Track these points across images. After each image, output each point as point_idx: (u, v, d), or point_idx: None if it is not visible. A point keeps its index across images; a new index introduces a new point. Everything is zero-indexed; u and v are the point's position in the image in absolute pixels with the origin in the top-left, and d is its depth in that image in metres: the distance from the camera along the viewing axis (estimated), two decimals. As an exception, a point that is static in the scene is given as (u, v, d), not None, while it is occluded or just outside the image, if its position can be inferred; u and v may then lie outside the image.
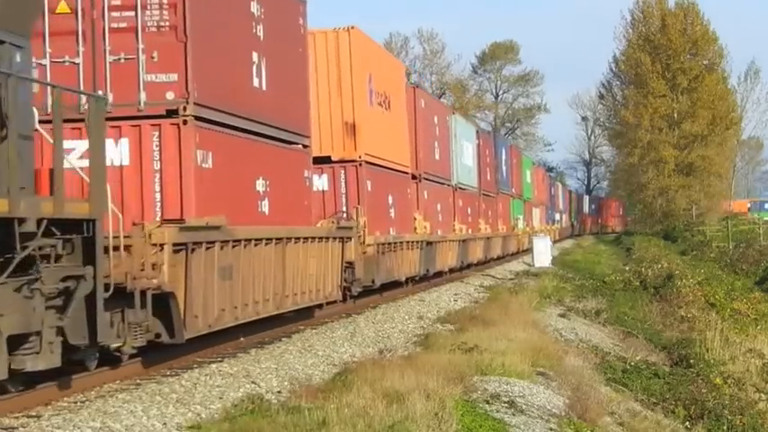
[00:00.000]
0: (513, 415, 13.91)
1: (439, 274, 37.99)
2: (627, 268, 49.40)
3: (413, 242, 32.34)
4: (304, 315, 22.59)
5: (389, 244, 28.89)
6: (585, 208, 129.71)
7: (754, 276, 51.60)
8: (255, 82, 19.00)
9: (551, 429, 13.94)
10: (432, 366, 14.96)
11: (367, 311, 25.96)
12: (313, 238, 21.52)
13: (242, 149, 18.25)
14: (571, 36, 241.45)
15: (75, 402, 13.10)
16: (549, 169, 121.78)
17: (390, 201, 29.79)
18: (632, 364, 21.76)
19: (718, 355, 24.90)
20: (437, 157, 38.27)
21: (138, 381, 14.73)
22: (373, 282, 26.87)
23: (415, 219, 33.59)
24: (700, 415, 18.36)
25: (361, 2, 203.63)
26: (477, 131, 51.01)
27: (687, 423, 17.77)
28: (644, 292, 40.02)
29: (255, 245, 18.10)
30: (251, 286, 18.03)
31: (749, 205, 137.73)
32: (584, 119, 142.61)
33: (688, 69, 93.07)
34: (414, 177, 33.86)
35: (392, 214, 29.95)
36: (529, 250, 62.69)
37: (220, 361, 16.61)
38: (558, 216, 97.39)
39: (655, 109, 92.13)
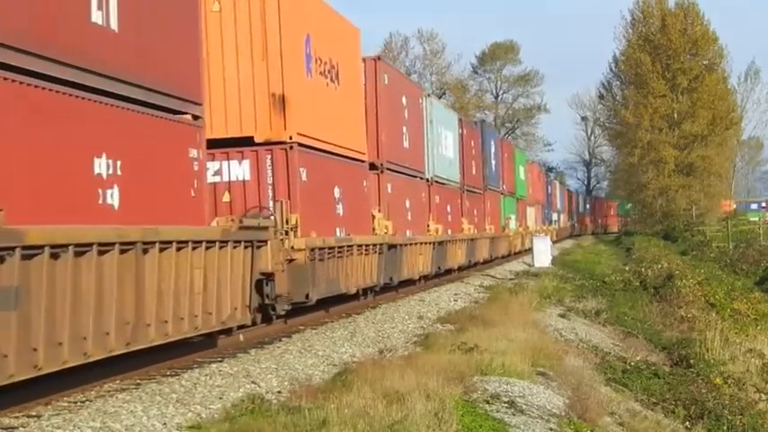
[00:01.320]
0: (513, 415, 13.91)
1: (409, 282, 32.55)
2: (627, 268, 49.40)
3: (368, 246, 26.35)
4: (206, 343, 17.98)
5: (332, 248, 22.96)
6: (580, 208, 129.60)
7: (754, 276, 51.62)
8: (97, 17, 13.29)
9: (551, 429, 13.94)
10: (432, 366, 14.96)
11: (367, 311, 25.94)
12: (197, 242, 15.58)
13: (63, 112, 12.55)
14: (571, 36, 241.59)
15: (75, 402, 13.10)
16: (549, 169, 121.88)
17: (337, 194, 24.20)
18: (632, 364, 21.75)
19: (718, 355, 24.90)
20: (406, 144, 32.29)
21: (138, 381, 14.72)
22: (308, 297, 21.24)
23: (373, 217, 27.86)
24: (700, 415, 18.36)
25: (362, 1, 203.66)
26: (461, 120, 45.29)
27: (687, 423, 17.75)
28: (644, 292, 40.02)
29: (79, 253, 12.24)
30: (67, 317, 12.02)
31: (734, 206, 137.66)
32: (584, 119, 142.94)
33: (688, 69, 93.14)
34: (373, 167, 28.25)
35: (339, 211, 24.35)
36: (521, 253, 60.42)
37: (220, 361, 16.60)
38: (555, 216, 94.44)
39: (655, 109, 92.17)
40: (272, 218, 19.80)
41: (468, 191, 44.44)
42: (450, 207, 39.91)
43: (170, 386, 14.13)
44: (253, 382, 14.78)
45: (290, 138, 21.02)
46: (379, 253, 27.55)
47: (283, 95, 20.91)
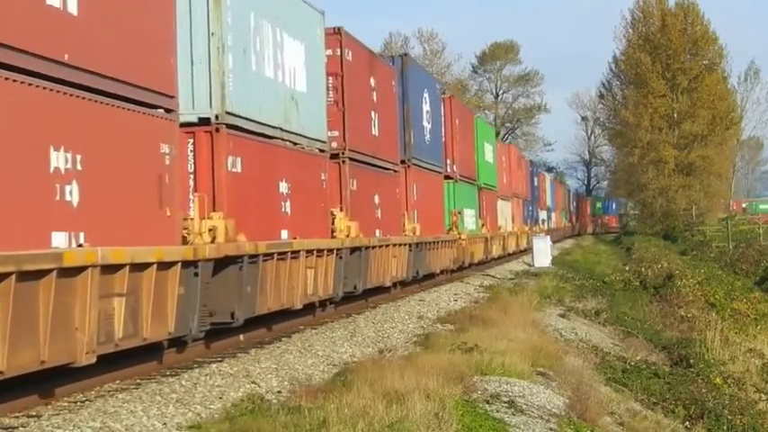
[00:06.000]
0: (513, 415, 13.92)
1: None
2: (627, 268, 49.43)
3: None
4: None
5: None
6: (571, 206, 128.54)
7: (753, 276, 51.70)
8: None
9: (551, 429, 13.95)
10: (432, 366, 14.96)
11: (367, 311, 25.92)
12: None
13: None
14: (571, 36, 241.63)
15: (75, 402, 13.10)
16: (549, 169, 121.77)
17: None
18: (632, 363, 21.77)
19: (718, 355, 24.94)
20: (126, 38, 13.79)
21: (138, 381, 14.72)
22: None
23: None
24: (700, 415, 18.38)
25: (362, 1, 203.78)
26: (339, 30, 25.01)
27: (687, 423, 17.78)
28: (644, 292, 40.10)
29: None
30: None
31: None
32: (584, 119, 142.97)
33: (688, 69, 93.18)
34: None
35: None
36: (485, 264, 47.90)
37: (220, 361, 16.60)
38: (543, 215, 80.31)
39: (655, 109, 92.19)
40: None
41: (355, 161, 25.79)
42: (290, 186, 20.63)
43: (170, 386, 14.13)
44: (253, 382, 14.78)
45: None
46: None
47: None
